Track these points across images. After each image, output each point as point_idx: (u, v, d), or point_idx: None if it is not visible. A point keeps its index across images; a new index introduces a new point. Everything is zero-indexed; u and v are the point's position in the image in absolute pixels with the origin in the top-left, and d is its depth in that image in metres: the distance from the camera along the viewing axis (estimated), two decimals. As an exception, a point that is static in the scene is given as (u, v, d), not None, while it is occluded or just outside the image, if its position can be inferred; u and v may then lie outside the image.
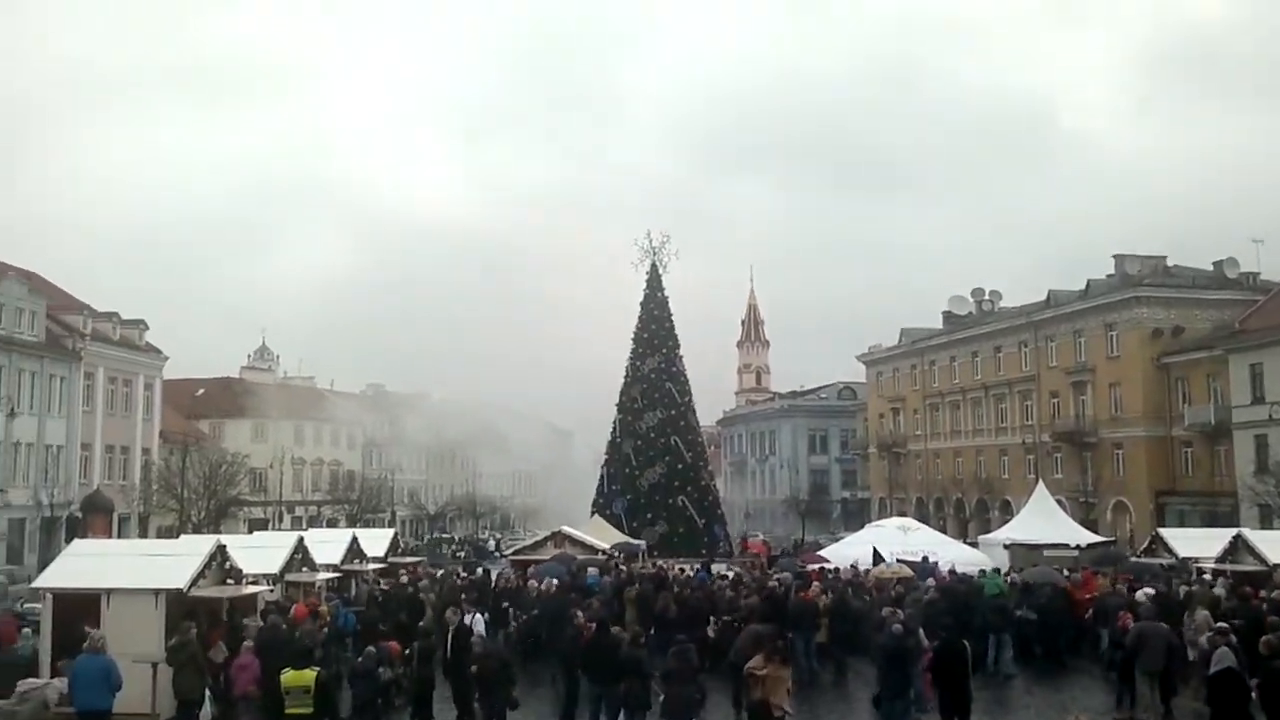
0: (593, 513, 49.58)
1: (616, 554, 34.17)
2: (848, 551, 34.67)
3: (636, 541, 41.20)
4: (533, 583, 25.22)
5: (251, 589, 20.16)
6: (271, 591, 21.84)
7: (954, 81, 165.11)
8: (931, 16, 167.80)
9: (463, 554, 60.05)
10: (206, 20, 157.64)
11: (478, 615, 20.59)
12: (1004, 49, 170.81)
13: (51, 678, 15.92)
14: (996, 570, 27.26)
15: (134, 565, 18.33)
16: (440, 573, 31.78)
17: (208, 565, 18.54)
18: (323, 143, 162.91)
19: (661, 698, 15.39)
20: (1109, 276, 62.39)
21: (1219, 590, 23.38)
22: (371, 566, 29.39)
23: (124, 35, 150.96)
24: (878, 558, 31.66)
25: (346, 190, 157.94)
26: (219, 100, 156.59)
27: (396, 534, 39.11)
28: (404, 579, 27.27)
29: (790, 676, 14.77)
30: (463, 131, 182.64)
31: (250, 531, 41.25)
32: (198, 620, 16.88)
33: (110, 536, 46.94)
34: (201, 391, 74.50)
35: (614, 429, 54.79)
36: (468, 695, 15.90)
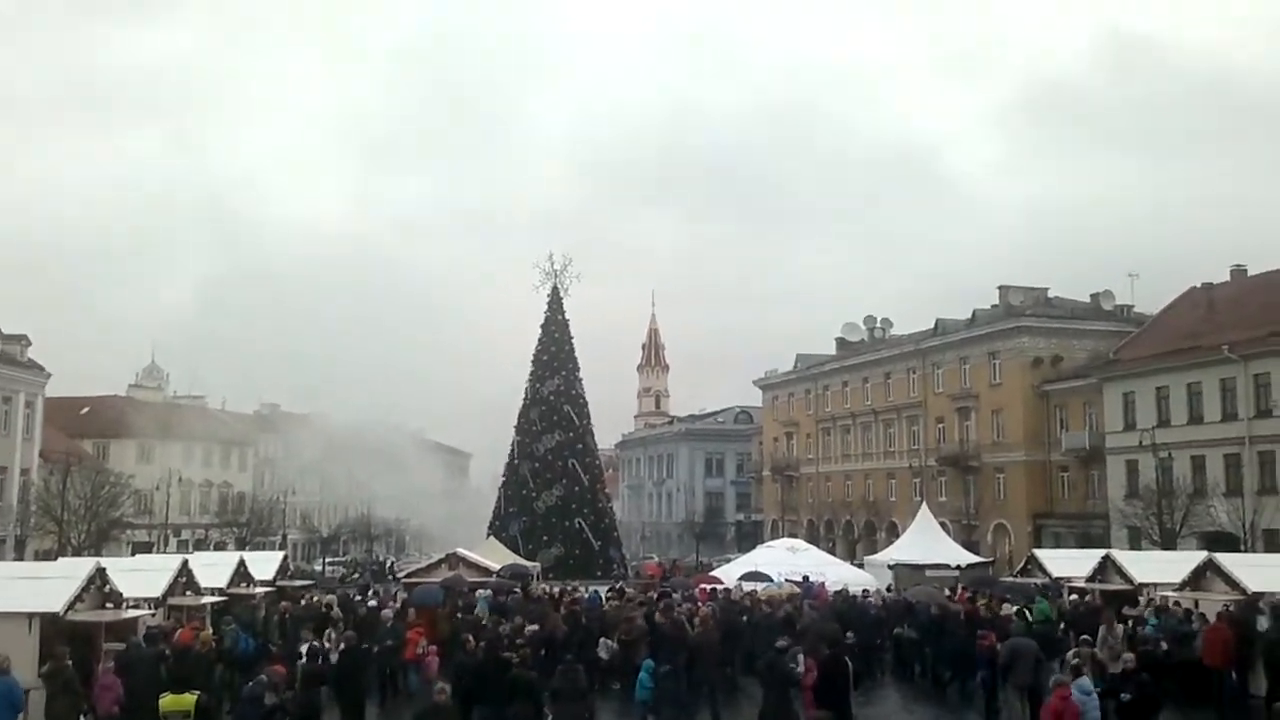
0: (489, 534, 49.33)
1: (503, 575, 33.96)
2: (737, 572, 35.11)
3: (530, 564, 41.04)
4: (386, 611, 24.22)
5: (132, 613, 19.71)
6: (153, 615, 21.36)
7: (845, 123, 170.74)
8: (823, 61, 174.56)
9: (357, 576, 59.13)
10: (95, 38, 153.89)
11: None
12: (892, 94, 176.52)
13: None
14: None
15: (8, 588, 17.80)
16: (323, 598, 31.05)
17: (86, 588, 18.10)
18: (217, 162, 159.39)
19: (550, 718, 15.49)
20: (994, 307, 64.31)
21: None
22: (260, 590, 28.89)
23: (5, 51, 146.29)
24: (754, 577, 32.21)
25: (242, 211, 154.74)
26: (108, 118, 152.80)
27: (287, 557, 38.40)
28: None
29: None
30: (362, 153, 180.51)
31: (133, 555, 40.13)
32: (75, 645, 16.46)
33: (-14, 560, 45.25)
34: (86, 410, 72.10)
35: (512, 451, 54.65)
36: None
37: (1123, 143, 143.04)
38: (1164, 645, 20.29)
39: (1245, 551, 37.16)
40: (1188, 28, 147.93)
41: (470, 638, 18.98)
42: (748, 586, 30.58)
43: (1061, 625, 24.00)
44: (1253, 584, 22.05)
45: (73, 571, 18.97)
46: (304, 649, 19.11)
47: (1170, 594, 24.29)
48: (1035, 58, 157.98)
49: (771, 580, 31.49)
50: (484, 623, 23.11)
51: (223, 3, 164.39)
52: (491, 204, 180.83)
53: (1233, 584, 22.44)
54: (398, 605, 27.54)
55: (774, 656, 16.47)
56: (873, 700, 21.29)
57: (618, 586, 33.46)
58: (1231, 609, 21.20)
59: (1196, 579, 23.77)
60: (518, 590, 31.04)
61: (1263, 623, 20.47)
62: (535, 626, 21.37)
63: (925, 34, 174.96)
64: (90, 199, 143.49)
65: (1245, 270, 53.57)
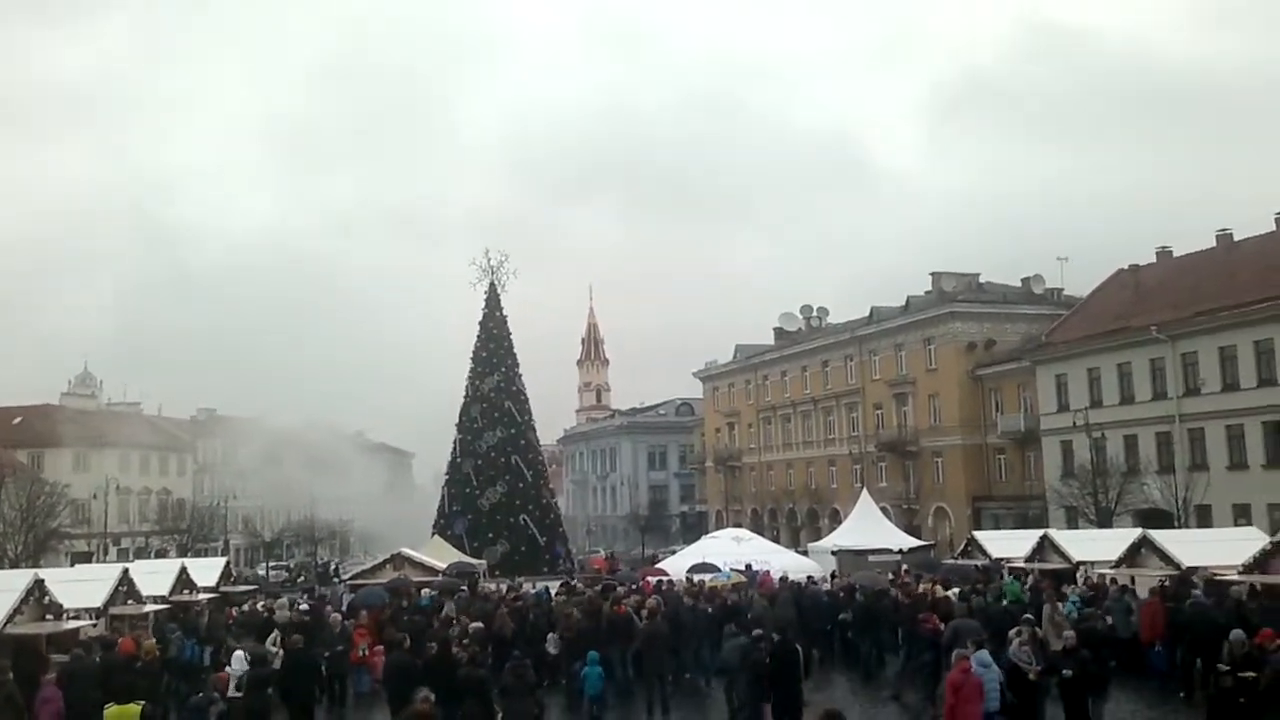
0: (433, 533, 49.01)
1: (449, 573, 33.80)
2: (683, 564, 35.19)
3: (476, 561, 40.83)
4: (335, 615, 23.64)
5: (73, 624, 19.33)
6: (95, 626, 20.95)
7: (773, 115, 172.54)
8: (748, 54, 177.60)
9: (302, 579, 58.45)
10: (13, 49, 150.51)
11: (239, 653, 18.69)
12: (818, 86, 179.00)
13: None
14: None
15: (-57, 604, 17.35)
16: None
17: (25, 600, 17.71)
18: (143, 169, 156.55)
19: (500, 714, 15.42)
20: (927, 293, 65.04)
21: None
22: (203, 596, 28.53)
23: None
24: (703, 568, 32.23)
25: (171, 217, 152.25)
26: (30, 128, 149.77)
27: (229, 563, 37.96)
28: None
29: None
30: (290, 156, 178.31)
31: (73, 565, 39.36)
32: (20, 658, 16.09)
33: (-82, 575, 44.02)
34: (19, 420, 70.60)
35: (454, 449, 54.24)
36: None
37: (1047, 129, 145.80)
38: (1108, 620, 20.63)
39: (1178, 527, 37.95)
40: (1103, 15, 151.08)
41: (407, 637, 18.81)
42: (697, 578, 30.65)
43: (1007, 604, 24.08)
44: (1186, 559, 22.57)
45: (10, 584, 18.56)
46: (238, 654, 18.57)
47: (1107, 571, 24.78)
48: (956, 47, 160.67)
49: (720, 571, 31.56)
50: (435, 621, 22.90)
51: (143, 10, 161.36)
52: (424, 204, 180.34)
53: (1167, 559, 22.95)
54: (344, 608, 27.29)
55: (748, 645, 16.49)
56: (821, 686, 21.41)
57: (572, 582, 33.28)
58: (1166, 584, 21.67)
59: (1132, 556, 24.30)
60: (464, 589, 30.90)
61: (1197, 596, 20.91)
62: (479, 625, 21.12)
63: (847, 26, 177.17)
64: (15, 209, 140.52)
65: (1171, 252, 54.64)
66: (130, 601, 23.54)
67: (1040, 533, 31.01)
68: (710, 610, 23.55)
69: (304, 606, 27.77)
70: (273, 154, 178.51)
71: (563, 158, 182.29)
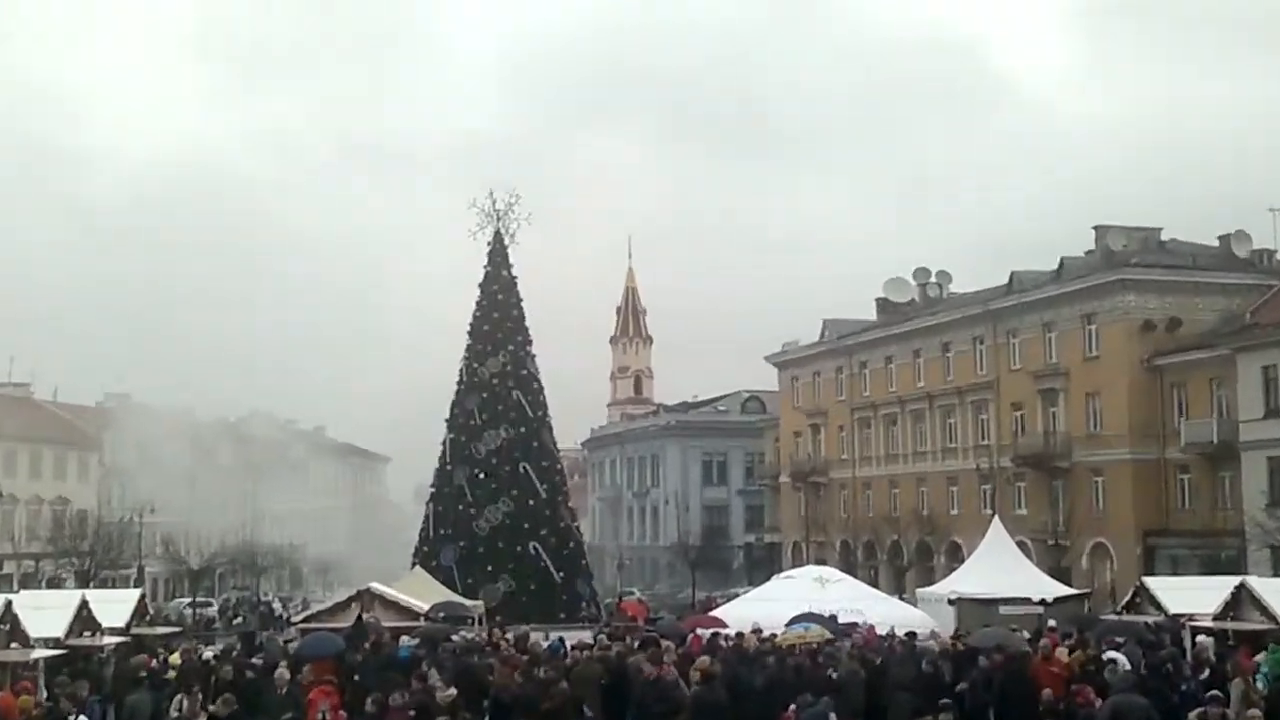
0: (414, 564, 49.40)
1: (434, 617, 34.08)
2: (747, 612, 35.07)
3: (469, 603, 41.09)
4: (281, 671, 22.94)
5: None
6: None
7: (857, 19, 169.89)
8: None
9: (239, 621, 59.06)
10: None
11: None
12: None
13: None
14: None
15: None
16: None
17: None
18: (34, 85, 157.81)
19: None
20: (1088, 254, 64.44)
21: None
22: (109, 640, 28.90)
23: None
24: (807, 618, 32.02)
25: (69, 148, 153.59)
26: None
27: (144, 596, 38.39)
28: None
29: None
30: (226, 70, 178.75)
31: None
32: None
33: None
34: None
35: (443, 453, 54.54)
36: None
37: (1252, 41, 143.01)
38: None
39: None
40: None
41: (373, 699, 19.07)
42: (767, 632, 30.55)
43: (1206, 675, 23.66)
44: None
45: None
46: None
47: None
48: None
49: (824, 620, 31.31)
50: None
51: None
52: (403, 136, 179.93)
53: None
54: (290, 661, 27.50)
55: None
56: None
57: (601, 633, 33.28)
58: None
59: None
60: (454, 639, 31.05)
61: None
62: (453, 692, 20.90)
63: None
64: None
65: None
66: (14, 645, 23.86)
67: (1236, 580, 30.67)
68: (779, 673, 23.55)
69: (209, 655, 28.04)
70: (199, 67, 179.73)
71: (585, 76, 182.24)
